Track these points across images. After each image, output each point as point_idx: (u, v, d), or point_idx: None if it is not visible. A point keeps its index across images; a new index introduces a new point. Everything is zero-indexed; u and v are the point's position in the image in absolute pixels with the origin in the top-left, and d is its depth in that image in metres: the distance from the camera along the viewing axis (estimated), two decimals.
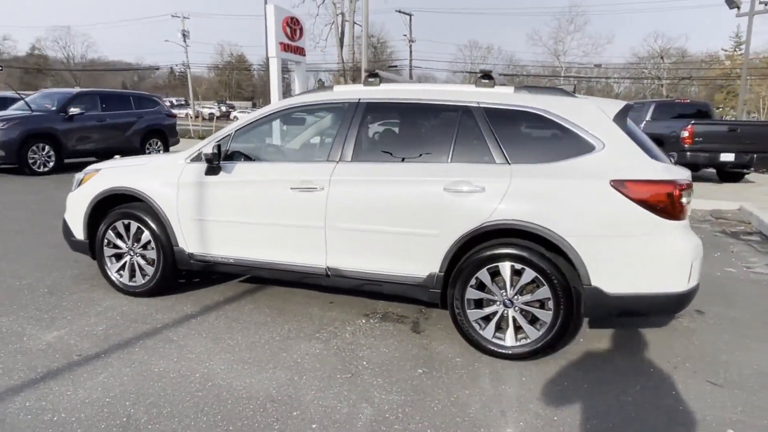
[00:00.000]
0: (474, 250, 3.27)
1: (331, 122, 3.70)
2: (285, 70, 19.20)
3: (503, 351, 3.27)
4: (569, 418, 2.69)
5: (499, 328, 3.30)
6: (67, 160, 11.23)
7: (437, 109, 3.50)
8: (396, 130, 3.76)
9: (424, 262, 3.36)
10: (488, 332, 3.30)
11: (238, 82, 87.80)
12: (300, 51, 17.84)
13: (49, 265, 4.84)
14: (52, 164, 10.77)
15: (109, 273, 4.19)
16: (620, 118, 3.20)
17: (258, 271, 3.84)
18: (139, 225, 4.02)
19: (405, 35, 44.46)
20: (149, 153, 12.80)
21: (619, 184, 3.02)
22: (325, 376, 3.02)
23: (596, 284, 3.08)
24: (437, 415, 2.66)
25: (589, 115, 3.21)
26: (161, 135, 13.22)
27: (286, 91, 19.13)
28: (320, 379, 2.99)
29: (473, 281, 3.27)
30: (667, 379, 3.13)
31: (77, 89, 12.54)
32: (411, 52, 44.80)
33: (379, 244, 3.45)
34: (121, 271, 4.17)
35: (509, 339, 3.27)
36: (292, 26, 17.26)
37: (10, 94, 13.41)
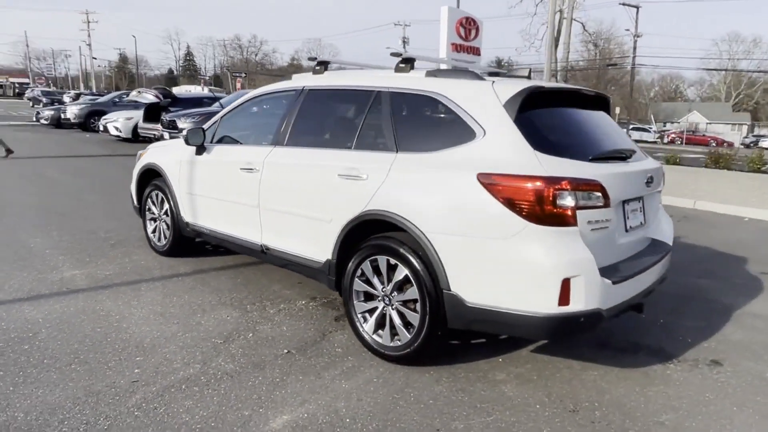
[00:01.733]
0: (363, 240, 3.15)
1: (284, 108, 3.90)
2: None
3: (381, 350, 3.09)
4: (360, 426, 2.48)
5: (381, 324, 3.13)
6: None
7: (356, 95, 3.43)
8: (325, 115, 3.77)
9: (322, 248, 3.36)
10: (369, 327, 3.15)
11: None
12: (474, 51, 17.82)
13: (137, 225, 6.05)
14: None
15: (147, 233, 5.11)
16: (514, 102, 2.71)
17: (224, 243, 4.28)
18: (163, 195, 4.82)
19: (627, 30, 40.16)
20: None
21: (485, 179, 2.60)
22: (203, 337, 3.30)
23: (455, 290, 2.71)
24: (239, 388, 2.72)
25: (480, 100, 2.81)
26: None
27: None
28: (196, 339, 3.28)
29: (359, 272, 3.16)
30: (542, 421, 2.58)
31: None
32: (635, 48, 40.30)
33: (293, 227, 3.56)
34: (154, 233, 5.05)
35: (386, 338, 3.08)
36: (467, 26, 17.36)
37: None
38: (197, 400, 2.60)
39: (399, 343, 3.00)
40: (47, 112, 21.08)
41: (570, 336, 3.06)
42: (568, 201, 2.49)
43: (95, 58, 62.13)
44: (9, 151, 11.59)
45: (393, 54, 3.40)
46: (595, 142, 2.97)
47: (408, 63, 3.26)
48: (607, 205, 2.64)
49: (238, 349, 3.17)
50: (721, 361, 3.32)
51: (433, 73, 3.15)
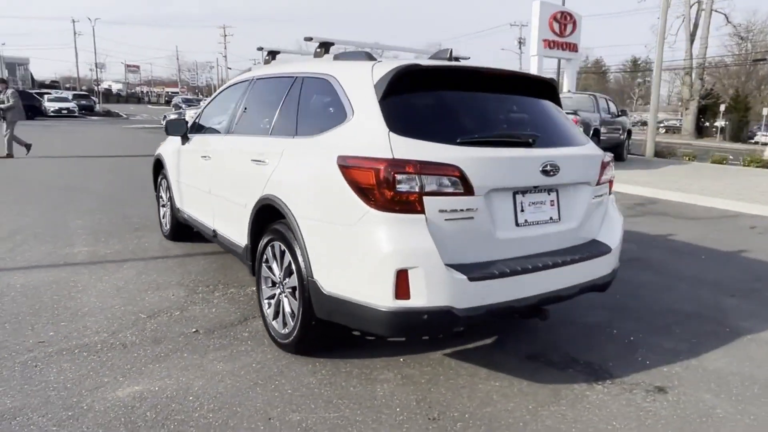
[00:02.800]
0: (268, 225, 3.15)
1: (239, 97, 4.00)
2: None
3: (276, 337, 3.07)
4: (198, 405, 2.48)
5: (278, 312, 3.10)
6: None
7: (282, 82, 3.41)
8: (260, 103, 3.76)
9: (243, 233, 3.41)
10: (270, 313, 3.14)
11: (584, 87, 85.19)
12: (571, 47, 16.87)
13: None
14: None
15: (159, 218, 5.56)
16: (383, 82, 2.52)
17: (198, 228, 4.50)
18: (167, 183, 5.21)
19: None
20: None
21: (341, 161, 2.47)
22: (134, 311, 3.52)
23: (316, 278, 2.61)
24: (121, 358, 2.87)
25: (357, 81, 2.67)
26: None
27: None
28: (127, 312, 3.50)
29: (264, 258, 3.17)
30: (388, 424, 2.39)
31: None
32: None
33: (227, 211, 3.66)
34: (163, 218, 5.47)
35: (279, 325, 3.04)
36: (561, 21, 16.49)
37: None
38: (76, 364, 2.79)
39: (287, 331, 2.95)
40: (171, 116, 23.72)
41: (416, 334, 2.75)
42: (411, 186, 2.28)
43: (230, 69, 68.49)
44: (26, 148, 12.09)
45: (306, 39, 3.35)
46: (483, 124, 2.66)
47: (323, 47, 3.19)
48: (468, 192, 2.36)
49: (154, 324, 3.33)
50: (668, 389, 2.80)
51: (338, 57, 3.06)
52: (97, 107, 38.44)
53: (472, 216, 2.40)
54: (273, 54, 3.91)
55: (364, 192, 2.35)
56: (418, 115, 2.56)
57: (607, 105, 14.17)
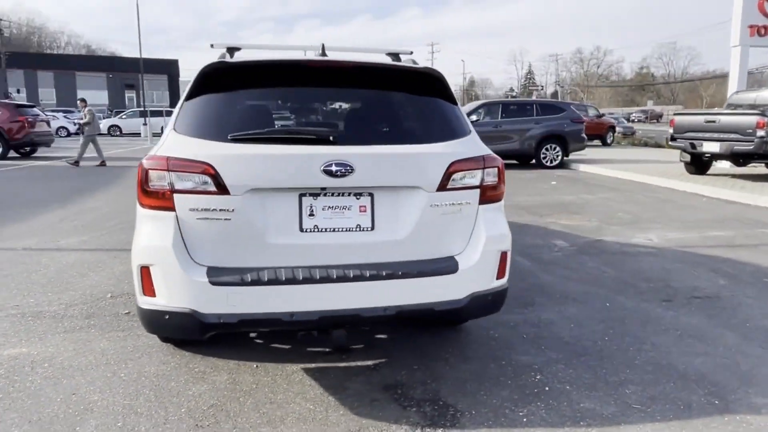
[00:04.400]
0: None
1: None
2: None
3: None
4: (42, 370, 2.80)
5: None
6: None
7: None
8: None
9: None
10: None
11: None
12: None
13: None
14: None
15: None
16: (194, 80, 2.51)
17: None
18: None
19: None
20: (544, 158, 13.50)
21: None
22: (107, 291, 4.07)
23: None
24: (38, 327, 3.38)
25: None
26: (560, 140, 13.57)
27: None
28: (101, 290, 4.07)
29: None
30: (154, 420, 2.39)
31: (483, 101, 14.67)
32: None
33: None
34: None
35: None
36: None
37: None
38: (5, 326, 3.39)
39: None
40: None
41: (168, 335, 2.51)
42: (162, 183, 2.26)
43: None
44: (76, 163, 13.12)
45: (211, 45, 3.43)
46: (269, 121, 2.42)
47: (230, 52, 3.28)
48: (222, 191, 2.21)
49: (106, 303, 3.82)
50: None
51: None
52: None
53: (229, 217, 2.24)
54: (231, 50, 4.09)
55: (137, 189, 2.41)
56: (206, 113, 2.48)
57: None
